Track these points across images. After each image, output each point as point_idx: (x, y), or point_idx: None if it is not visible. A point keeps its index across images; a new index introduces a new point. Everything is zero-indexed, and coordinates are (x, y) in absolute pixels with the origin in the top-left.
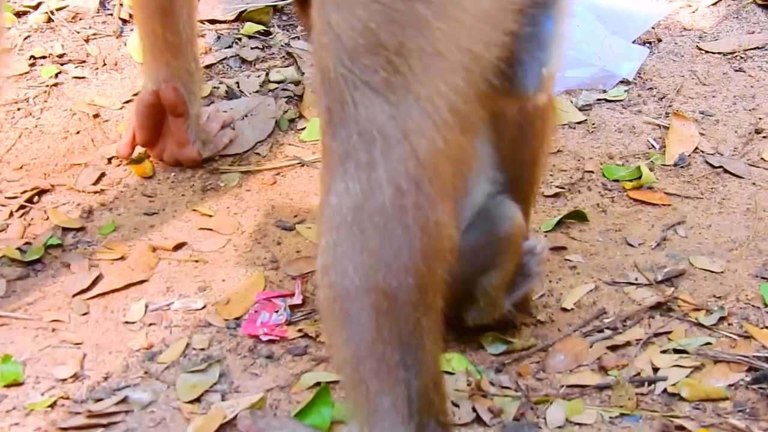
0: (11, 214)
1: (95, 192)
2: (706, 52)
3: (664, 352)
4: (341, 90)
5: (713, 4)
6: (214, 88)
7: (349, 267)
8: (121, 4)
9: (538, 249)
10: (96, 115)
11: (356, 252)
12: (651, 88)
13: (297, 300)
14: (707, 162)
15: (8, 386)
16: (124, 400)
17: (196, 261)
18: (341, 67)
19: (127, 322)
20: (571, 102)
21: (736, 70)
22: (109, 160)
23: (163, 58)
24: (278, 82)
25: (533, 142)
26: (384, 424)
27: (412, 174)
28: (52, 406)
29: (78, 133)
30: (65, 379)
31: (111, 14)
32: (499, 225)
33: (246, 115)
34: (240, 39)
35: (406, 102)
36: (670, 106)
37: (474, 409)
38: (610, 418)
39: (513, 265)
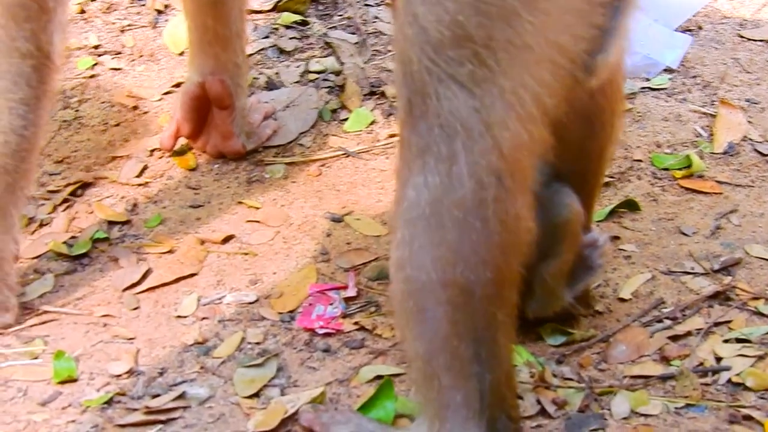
0: (55, 208)
1: (139, 185)
2: (748, 39)
3: (726, 341)
4: (424, 82)
5: None
6: (254, 78)
7: (426, 261)
8: None
9: (600, 242)
10: (135, 107)
11: (434, 245)
12: (695, 76)
13: (351, 292)
14: (756, 150)
15: (63, 383)
16: (181, 396)
17: (246, 254)
18: (426, 60)
19: (179, 317)
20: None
21: None
22: (152, 152)
23: (211, 51)
24: (318, 72)
25: (600, 134)
26: (456, 419)
27: (494, 167)
28: (109, 402)
29: (118, 125)
30: (120, 375)
31: (144, 5)
32: (556, 212)
33: (287, 106)
34: (277, 29)
35: (491, 95)
36: (715, 94)
37: (538, 402)
38: (676, 408)
39: (571, 254)
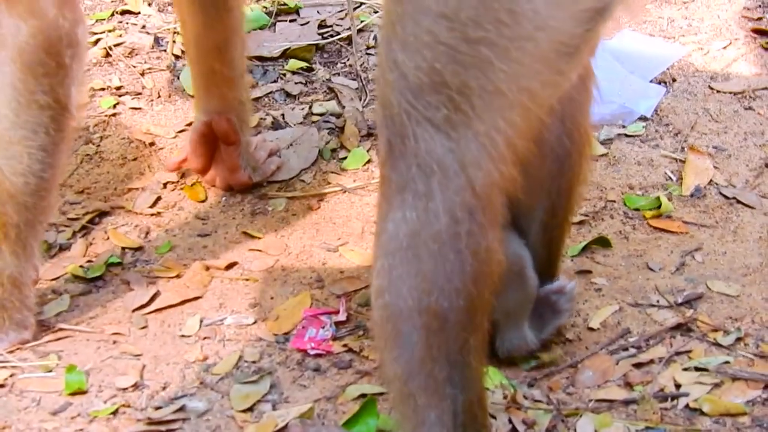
0: (74, 234)
1: (152, 214)
2: (718, 91)
3: (685, 369)
4: (403, 124)
5: (724, 48)
6: (261, 119)
7: (403, 289)
8: (174, 41)
9: (568, 288)
10: (151, 143)
11: (411, 275)
12: (667, 124)
13: (342, 317)
14: (721, 193)
15: (73, 394)
16: (181, 409)
17: (247, 279)
18: (405, 104)
19: (183, 336)
20: (594, 136)
21: (746, 109)
22: (165, 185)
23: (217, 92)
24: (320, 114)
25: (569, 174)
26: None
27: (467, 204)
28: (114, 413)
29: (135, 159)
30: (126, 388)
31: (165, 50)
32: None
33: (291, 144)
34: (285, 74)
35: (465, 138)
36: (685, 141)
37: (510, 421)
38: (636, 430)
39: (517, 299)
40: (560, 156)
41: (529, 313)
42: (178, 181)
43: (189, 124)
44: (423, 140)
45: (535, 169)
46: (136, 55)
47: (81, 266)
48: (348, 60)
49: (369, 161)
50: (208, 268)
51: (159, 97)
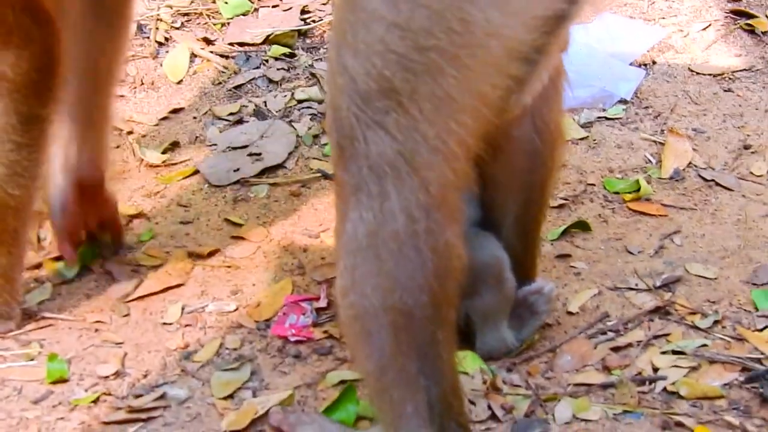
0: None
1: (134, 201)
2: (698, 73)
3: (663, 353)
4: (352, 127)
5: (703, 29)
6: (243, 106)
7: (367, 288)
8: (157, 28)
9: (546, 289)
10: (131, 132)
11: (373, 274)
12: (647, 107)
13: (322, 303)
14: (700, 176)
15: (54, 383)
16: (162, 397)
17: (229, 267)
18: (354, 108)
19: (164, 324)
20: (574, 120)
21: (726, 91)
22: (147, 170)
23: (94, 134)
24: (303, 101)
25: (542, 168)
26: (409, 427)
27: (423, 203)
28: (95, 401)
29: (118, 147)
30: (107, 377)
31: (148, 37)
32: (479, 256)
33: (273, 132)
34: (267, 61)
35: (414, 141)
36: (665, 123)
37: (489, 407)
38: (614, 414)
39: (494, 297)
40: (531, 152)
41: (507, 314)
42: (160, 169)
43: (172, 111)
44: (373, 143)
45: (508, 164)
46: None
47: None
48: None
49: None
50: (190, 256)
51: (142, 84)
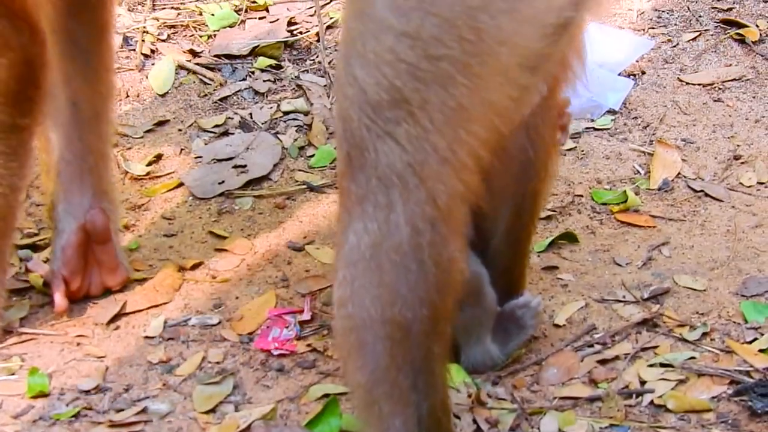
0: (40, 232)
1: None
2: (687, 83)
3: (650, 366)
4: (363, 138)
5: (693, 39)
6: (228, 118)
7: (366, 300)
8: (143, 41)
9: (533, 304)
10: (116, 144)
11: (373, 286)
12: (636, 118)
13: (306, 316)
14: (689, 186)
15: (35, 397)
16: (143, 411)
17: (213, 279)
18: (365, 118)
19: (147, 337)
20: (559, 142)
21: (715, 101)
22: (132, 182)
23: (91, 179)
24: (288, 113)
25: (535, 178)
26: None
27: (429, 216)
28: (76, 416)
29: None
30: (88, 391)
31: (133, 50)
32: None
33: (258, 144)
34: (253, 72)
35: (424, 151)
36: (653, 134)
37: (474, 421)
38: (600, 428)
39: (475, 312)
40: (525, 162)
41: (490, 329)
42: (144, 181)
43: (156, 124)
44: (383, 153)
45: (500, 174)
46: None
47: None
48: (317, 57)
49: (336, 159)
50: (173, 268)
51: (127, 96)
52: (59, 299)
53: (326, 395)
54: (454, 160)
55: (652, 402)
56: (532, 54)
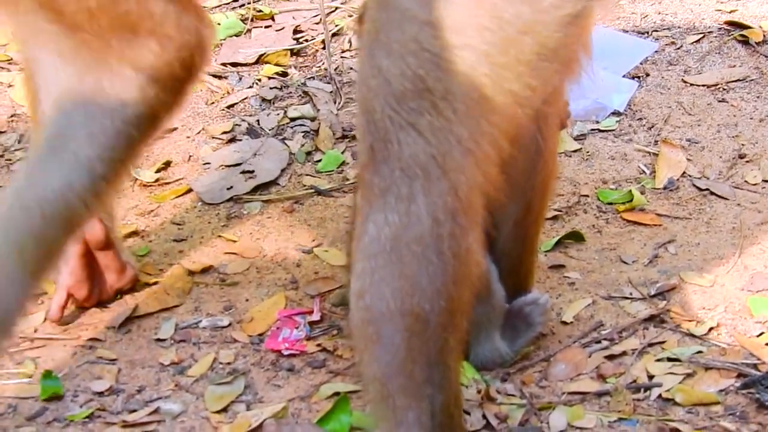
0: None
1: (128, 220)
2: (691, 84)
3: (658, 360)
4: (386, 129)
5: (697, 41)
6: (236, 125)
7: (385, 291)
8: None
9: (541, 301)
10: None
11: (393, 277)
12: (640, 119)
13: (316, 317)
14: (695, 185)
15: (49, 399)
16: (156, 411)
17: (222, 282)
18: (388, 109)
19: (158, 340)
20: (567, 132)
21: (720, 101)
22: (141, 188)
23: None
24: (295, 119)
25: (544, 170)
26: None
27: (450, 207)
28: (90, 417)
29: None
30: (102, 393)
31: None
32: None
33: (266, 150)
34: (260, 80)
35: (448, 143)
36: (658, 134)
37: (484, 416)
38: (609, 422)
39: (486, 310)
40: (533, 156)
41: (499, 325)
42: (153, 188)
43: (165, 131)
44: (406, 145)
45: (510, 166)
46: None
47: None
48: (323, 64)
49: (343, 163)
50: (184, 272)
51: None
52: (54, 309)
53: (336, 394)
54: (477, 151)
55: (660, 396)
56: (550, 43)
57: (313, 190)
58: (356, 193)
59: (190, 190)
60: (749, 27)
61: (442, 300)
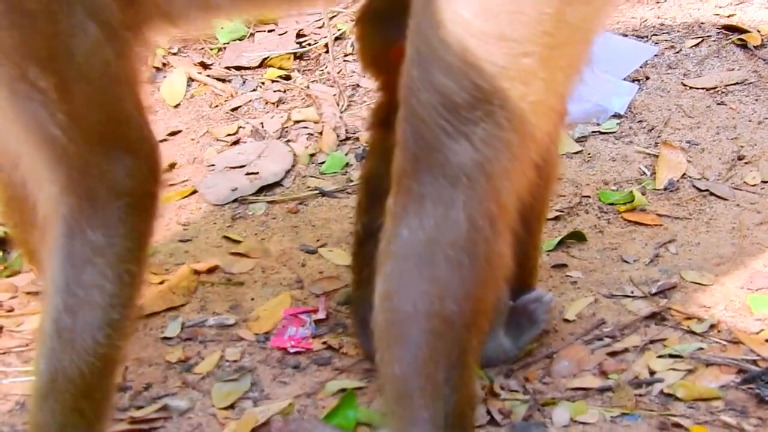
0: None
1: None
2: (691, 87)
3: (659, 357)
4: (436, 139)
5: (696, 45)
6: (240, 127)
7: (414, 293)
8: (154, 54)
9: (545, 299)
10: None
11: (423, 280)
12: (641, 121)
13: (321, 315)
14: (694, 186)
15: None
16: (163, 408)
17: (228, 282)
18: (441, 120)
19: (165, 338)
20: (569, 134)
21: (719, 104)
22: None
23: None
24: (299, 121)
25: (548, 168)
26: None
27: (490, 212)
28: None
29: None
30: None
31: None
32: None
33: (260, 156)
34: (264, 83)
35: (497, 149)
36: (658, 136)
37: (488, 412)
38: (612, 417)
39: None
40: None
41: (503, 323)
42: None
43: (170, 134)
44: (453, 153)
45: None
46: None
47: None
48: (326, 68)
49: (347, 164)
50: (190, 272)
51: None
52: None
53: (342, 390)
54: (523, 156)
55: (661, 391)
56: (592, 39)
57: (317, 192)
58: (358, 194)
59: (195, 192)
60: (747, 31)
61: (469, 302)
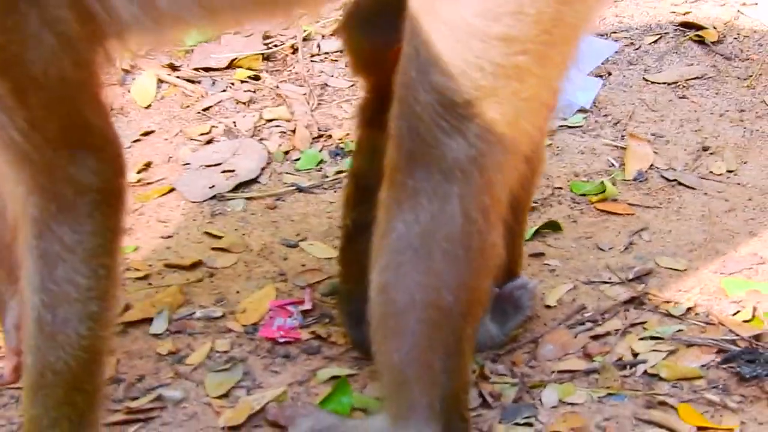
0: None
1: None
2: (652, 82)
3: (641, 339)
4: (433, 136)
5: (654, 42)
6: (213, 127)
7: (410, 285)
8: (121, 59)
9: (530, 286)
10: None
11: (419, 272)
12: (606, 115)
13: (307, 306)
14: (663, 176)
15: None
16: (158, 398)
17: (212, 276)
18: (438, 118)
19: (153, 334)
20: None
21: (680, 98)
22: None
23: None
24: (271, 120)
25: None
26: (418, 419)
27: (483, 205)
28: None
29: None
30: None
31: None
32: None
33: (235, 154)
34: (233, 83)
35: (490, 144)
36: (624, 130)
37: (480, 394)
38: (599, 398)
39: None
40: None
41: (488, 309)
42: (136, 188)
43: (143, 134)
44: (449, 149)
45: None
46: None
47: None
48: (294, 68)
49: (321, 161)
50: (172, 267)
51: (111, 110)
52: (8, 373)
53: (334, 377)
54: (515, 150)
55: (645, 372)
56: (582, 34)
57: (294, 188)
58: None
59: (172, 190)
60: (704, 27)
61: (464, 292)
